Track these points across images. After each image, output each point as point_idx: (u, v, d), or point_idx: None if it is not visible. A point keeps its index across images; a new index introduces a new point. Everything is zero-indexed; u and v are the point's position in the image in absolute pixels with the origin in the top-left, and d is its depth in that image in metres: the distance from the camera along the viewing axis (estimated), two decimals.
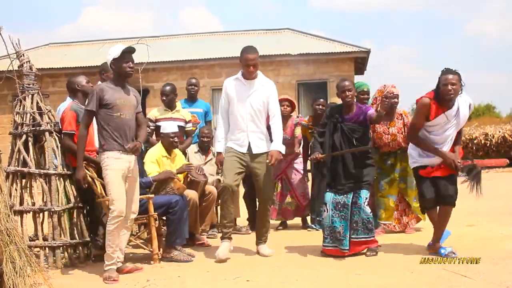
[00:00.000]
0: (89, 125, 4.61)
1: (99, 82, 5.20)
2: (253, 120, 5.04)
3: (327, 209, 4.93)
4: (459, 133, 4.86)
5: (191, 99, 6.80)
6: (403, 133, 5.81)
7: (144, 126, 4.76)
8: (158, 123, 6.23)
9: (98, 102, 4.42)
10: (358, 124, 4.98)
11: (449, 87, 4.50)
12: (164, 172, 5.29)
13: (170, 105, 6.37)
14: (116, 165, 4.39)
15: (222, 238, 5.05)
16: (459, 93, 4.59)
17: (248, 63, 4.95)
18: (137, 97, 4.72)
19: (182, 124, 6.30)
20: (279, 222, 6.72)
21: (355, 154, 4.94)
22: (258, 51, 5.05)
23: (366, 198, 4.90)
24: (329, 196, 4.94)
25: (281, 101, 6.47)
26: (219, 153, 5.15)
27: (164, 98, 6.36)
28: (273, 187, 5.25)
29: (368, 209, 4.87)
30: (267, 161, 4.92)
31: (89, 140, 4.82)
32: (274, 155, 4.91)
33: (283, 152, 5.09)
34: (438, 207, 4.80)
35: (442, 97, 4.56)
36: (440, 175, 4.69)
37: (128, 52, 4.52)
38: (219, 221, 6.00)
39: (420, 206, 5.01)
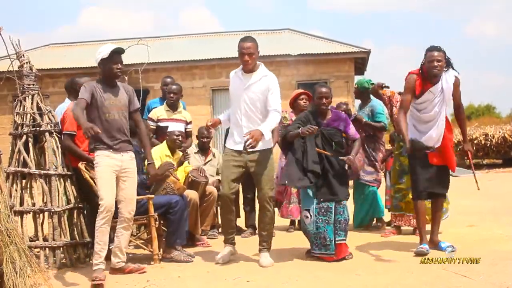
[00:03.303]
0: (84, 109, 4.34)
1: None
2: (248, 115, 4.77)
3: (311, 215, 4.86)
4: (459, 112, 4.98)
5: (164, 97, 6.62)
6: None
7: (143, 130, 4.72)
8: (159, 123, 6.19)
9: (91, 95, 4.36)
10: (336, 129, 4.98)
11: (435, 63, 4.72)
12: (164, 164, 5.23)
13: (174, 105, 6.29)
14: (105, 162, 4.36)
15: (225, 242, 4.96)
16: (445, 69, 4.80)
17: (243, 51, 4.72)
18: (130, 94, 4.61)
19: (182, 125, 6.27)
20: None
21: (338, 164, 4.89)
22: (257, 42, 4.79)
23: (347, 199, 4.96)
24: (312, 201, 4.87)
25: (299, 94, 6.41)
26: (214, 119, 5.08)
27: (172, 96, 6.24)
28: (273, 186, 4.92)
29: (348, 210, 4.94)
30: (245, 137, 4.53)
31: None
32: (253, 132, 4.48)
33: (266, 138, 4.62)
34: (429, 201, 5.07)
35: (428, 73, 4.78)
36: (436, 163, 4.86)
37: (117, 52, 4.46)
38: (220, 229, 5.91)
39: (412, 193, 5.12)
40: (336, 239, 4.79)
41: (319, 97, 4.95)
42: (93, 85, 4.45)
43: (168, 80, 6.69)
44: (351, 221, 5.57)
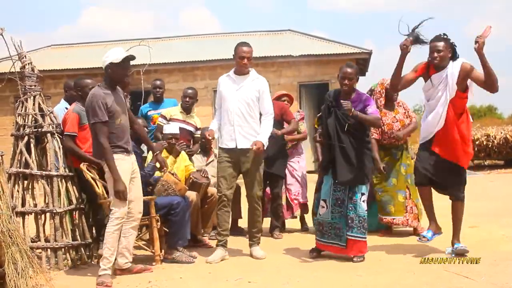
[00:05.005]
0: (107, 135, 4.34)
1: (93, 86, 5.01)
2: (241, 114, 5.00)
3: (327, 206, 4.88)
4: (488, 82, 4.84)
5: (157, 101, 6.75)
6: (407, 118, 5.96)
7: (140, 125, 4.95)
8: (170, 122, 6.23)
9: (106, 110, 4.29)
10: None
11: (435, 54, 4.70)
12: (157, 146, 5.31)
13: (188, 109, 6.38)
14: (123, 167, 4.36)
15: (217, 245, 5.06)
16: (449, 58, 4.72)
17: (243, 55, 5.01)
18: (124, 95, 4.67)
19: (192, 129, 6.34)
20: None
21: (353, 144, 4.80)
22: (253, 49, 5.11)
23: (363, 194, 4.82)
24: (329, 192, 4.88)
25: (281, 96, 6.48)
26: (211, 129, 5.08)
27: (188, 100, 6.34)
28: (261, 186, 5.17)
29: (364, 206, 4.82)
30: (250, 146, 4.88)
31: (91, 142, 4.81)
32: (258, 144, 4.85)
33: (265, 147, 4.98)
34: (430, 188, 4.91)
35: (430, 62, 4.77)
36: (439, 154, 4.74)
37: (129, 59, 4.42)
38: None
39: (414, 178, 5.06)
40: (347, 233, 4.78)
41: (342, 77, 4.87)
42: (102, 95, 4.31)
43: (158, 82, 6.81)
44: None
